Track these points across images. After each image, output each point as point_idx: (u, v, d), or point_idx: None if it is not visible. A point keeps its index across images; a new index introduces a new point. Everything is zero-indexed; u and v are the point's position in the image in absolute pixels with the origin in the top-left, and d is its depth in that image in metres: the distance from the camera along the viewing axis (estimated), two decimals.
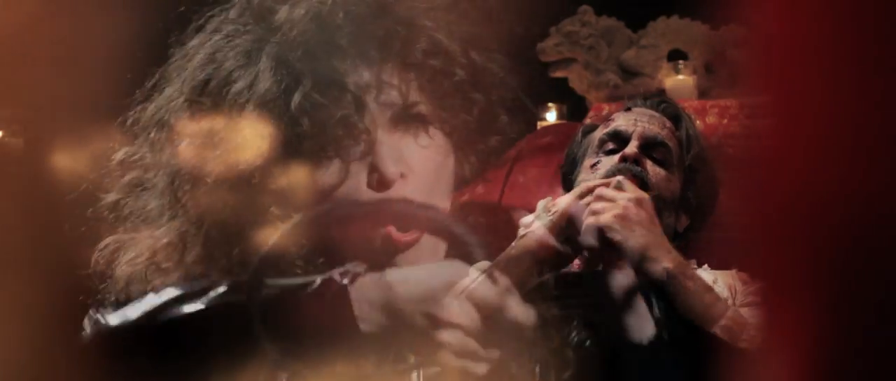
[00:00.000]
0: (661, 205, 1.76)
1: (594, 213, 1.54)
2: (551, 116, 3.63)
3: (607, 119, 1.90)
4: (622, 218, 1.53)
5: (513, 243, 1.32)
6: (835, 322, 0.45)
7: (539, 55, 3.73)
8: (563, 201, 1.57)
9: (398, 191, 1.05)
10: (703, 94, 3.51)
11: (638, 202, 1.56)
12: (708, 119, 3.08)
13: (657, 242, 1.54)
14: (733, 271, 1.73)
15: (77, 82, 1.86)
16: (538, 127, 3.29)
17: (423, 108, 1.10)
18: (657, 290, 1.50)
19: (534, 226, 1.50)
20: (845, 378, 0.45)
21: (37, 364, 1.64)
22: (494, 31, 1.13)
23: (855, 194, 0.45)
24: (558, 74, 3.78)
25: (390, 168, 1.05)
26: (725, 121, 3.04)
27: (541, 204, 1.57)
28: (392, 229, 1.04)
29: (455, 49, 1.10)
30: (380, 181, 1.05)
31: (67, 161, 1.70)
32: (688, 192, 1.83)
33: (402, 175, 1.06)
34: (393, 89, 1.08)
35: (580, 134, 1.94)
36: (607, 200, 1.55)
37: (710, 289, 1.54)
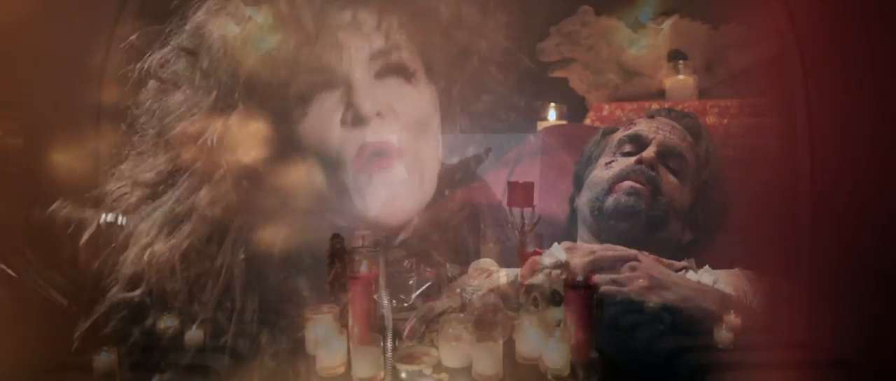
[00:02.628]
0: (670, 213, 1.76)
1: (619, 283, 1.58)
2: (551, 116, 3.62)
3: (630, 122, 1.93)
4: (649, 288, 1.57)
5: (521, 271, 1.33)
6: (838, 318, 0.45)
7: (539, 55, 3.72)
8: (576, 262, 1.63)
9: (374, 129, 1.03)
10: (703, 94, 3.50)
11: (643, 264, 1.61)
12: (708, 119, 3.08)
13: (687, 292, 1.59)
14: (738, 271, 1.73)
15: (76, 83, 1.86)
16: (538, 127, 3.29)
17: (405, 55, 1.07)
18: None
19: (537, 277, 1.55)
20: (852, 375, 0.45)
21: (35, 363, 1.64)
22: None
23: (856, 192, 0.46)
24: (558, 74, 3.77)
25: (366, 106, 1.02)
26: (725, 121, 3.04)
27: (556, 248, 1.60)
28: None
29: None
30: (354, 118, 1.03)
31: (67, 161, 1.70)
32: (697, 208, 1.83)
33: (379, 114, 1.04)
34: (373, 30, 1.05)
35: (600, 133, 1.96)
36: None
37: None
